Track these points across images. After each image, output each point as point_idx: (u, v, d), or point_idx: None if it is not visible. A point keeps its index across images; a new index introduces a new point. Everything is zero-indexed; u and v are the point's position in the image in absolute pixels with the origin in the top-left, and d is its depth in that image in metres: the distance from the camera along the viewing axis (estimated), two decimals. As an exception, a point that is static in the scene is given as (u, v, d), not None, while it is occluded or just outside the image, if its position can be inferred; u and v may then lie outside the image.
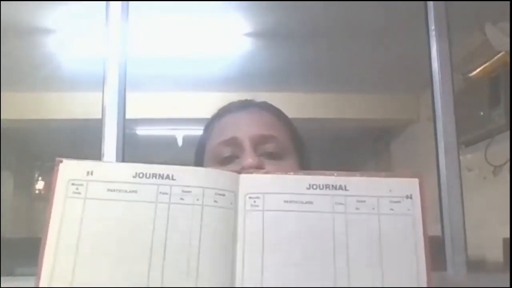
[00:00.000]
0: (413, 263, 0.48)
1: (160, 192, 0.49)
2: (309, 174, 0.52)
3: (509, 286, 1.26)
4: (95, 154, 1.42)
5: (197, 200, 0.49)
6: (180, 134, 3.67)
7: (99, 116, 1.43)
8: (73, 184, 0.49)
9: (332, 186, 0.51)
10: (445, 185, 1.45)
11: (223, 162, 0.70)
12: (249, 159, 0.66)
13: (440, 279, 1.41)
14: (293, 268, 0.47)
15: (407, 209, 0.49)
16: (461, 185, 1.45)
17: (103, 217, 0.48)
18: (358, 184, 0.51)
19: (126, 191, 0.49)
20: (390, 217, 0.49)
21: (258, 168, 0.65)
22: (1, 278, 1.18)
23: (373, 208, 0.50)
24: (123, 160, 1.42)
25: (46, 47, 2.58)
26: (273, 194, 0.50)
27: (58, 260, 0.47)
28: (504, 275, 1.36)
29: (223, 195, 0.49)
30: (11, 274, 1.36)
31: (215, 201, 0.49)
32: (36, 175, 4.28)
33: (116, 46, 1.48)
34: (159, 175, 0.49)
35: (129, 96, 1.46)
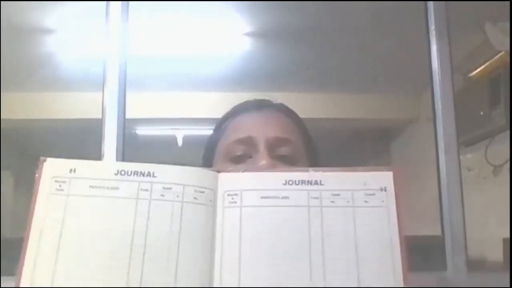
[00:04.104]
0: (387, 253, 0.48)
1: (141, 189, 0.49)
2: (285, 171, 0.53)
3: (509, 286, 1.26)
4: (95, 154, 1.42)
5: (177, 196, 0.50)
6: (180, 134, 3.66)
7: (99, 116, 1.43)
8: (56, 181, 0.50)
9: (308, 181, 0.51)
10: (445, 185, 1.45)
11: (235, 160, 0.69)
12: (263, 160, 0.66)
13: (440, 279, 1.41)
14: (270, 265, 0.48)
15: (381, 201, 0.50)
16: (461, 185, 1.45)
17: (85, 214, 0.49)
18: (333, 179, 0.51)
19: (108, 188, 0.49)
20: (365, 209, 0.50)
21: None
22: (1, 278, 1.18)
23: (348, 201, 0.50)
24: (123, 160, 1.42)
25: (46, 47, 2.58)
26: (251, 190, 0.51)
27: (39, 259, 0.47)
28: (504, 275, 1.36)
29: (203, 192, 0.50)
30: (11, 274, 1.36)
31: (195, 198, 0.50)
32: (36, 175, 4.27)
33: (116, 46, 1.48)
34: (140, 172, 0.50)
35: (129, 96, 1.46)
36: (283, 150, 0.69)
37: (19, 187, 3.91)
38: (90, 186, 0.49)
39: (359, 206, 0.50)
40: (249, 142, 0.69)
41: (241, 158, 0.69)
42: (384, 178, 0.51)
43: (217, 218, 0.50)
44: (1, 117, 2.61)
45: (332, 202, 0.50)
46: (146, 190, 0.49)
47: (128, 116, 1.46)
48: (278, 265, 0.48)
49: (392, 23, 2.28)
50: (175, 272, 0.47)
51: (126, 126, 1.44)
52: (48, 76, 2.88)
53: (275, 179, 0.52)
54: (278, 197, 0.51)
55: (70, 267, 0.46)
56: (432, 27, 1.52)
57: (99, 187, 0.49)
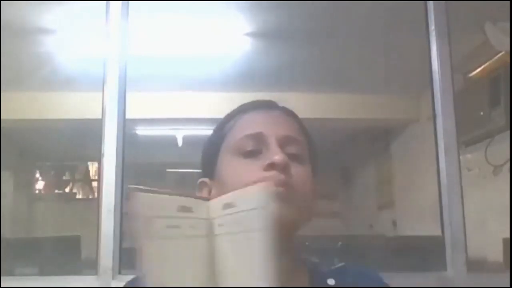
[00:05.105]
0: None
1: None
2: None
3: (509, 286, 1.26)
4: (95, 154, 1.42)
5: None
6: (180, 134, 3.66)
7: (99, 116, 1.43)
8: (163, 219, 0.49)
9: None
10: (445, 185, 1.45)
11: (245, 155, 0.71)
12: (277, 155, 0.67)
13: (440, 279, 1.41)
14: None
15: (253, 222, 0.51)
16: (461, 185, 1.45)
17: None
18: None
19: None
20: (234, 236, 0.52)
21: (285, 166, 0.66)
22: (1, 278, 1.18)
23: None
24: (123, 160, 1.42)
25: (46, 47, 2.58)
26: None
27: None
28: (504, 275, 1.36)
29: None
30: (11, 274, 1.36)
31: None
32: (36, 175, 4.28)
33: (116, 46, 1.48)
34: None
35: (129, 96, 1.46)
36: (292, 149, 0.71)
37: (19, 187, 3.91)
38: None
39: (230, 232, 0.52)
40: (259, 138, 0.71)
41: (252, 153, 0.71)
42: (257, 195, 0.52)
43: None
44: (1, 117, 2.61)
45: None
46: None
47: (128, 116, 1.46)
48: None
49: (392, 23, 2.28)
50: None
51: (126, 126, 1.44)
52: (48, 76, 2.88)
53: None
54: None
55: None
56: (432, 27, 1.52)
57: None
